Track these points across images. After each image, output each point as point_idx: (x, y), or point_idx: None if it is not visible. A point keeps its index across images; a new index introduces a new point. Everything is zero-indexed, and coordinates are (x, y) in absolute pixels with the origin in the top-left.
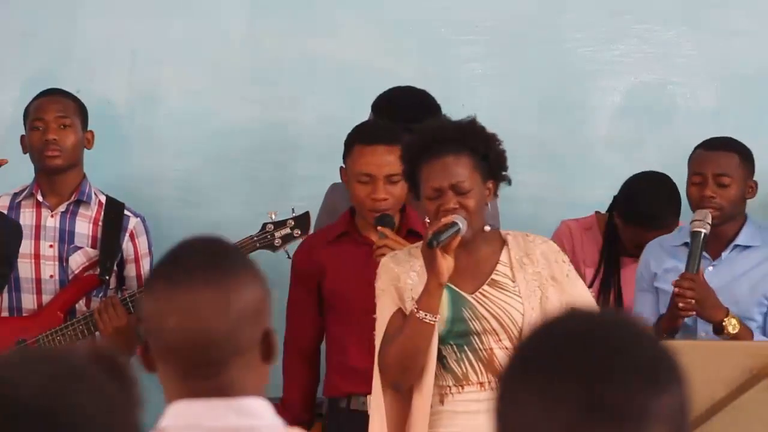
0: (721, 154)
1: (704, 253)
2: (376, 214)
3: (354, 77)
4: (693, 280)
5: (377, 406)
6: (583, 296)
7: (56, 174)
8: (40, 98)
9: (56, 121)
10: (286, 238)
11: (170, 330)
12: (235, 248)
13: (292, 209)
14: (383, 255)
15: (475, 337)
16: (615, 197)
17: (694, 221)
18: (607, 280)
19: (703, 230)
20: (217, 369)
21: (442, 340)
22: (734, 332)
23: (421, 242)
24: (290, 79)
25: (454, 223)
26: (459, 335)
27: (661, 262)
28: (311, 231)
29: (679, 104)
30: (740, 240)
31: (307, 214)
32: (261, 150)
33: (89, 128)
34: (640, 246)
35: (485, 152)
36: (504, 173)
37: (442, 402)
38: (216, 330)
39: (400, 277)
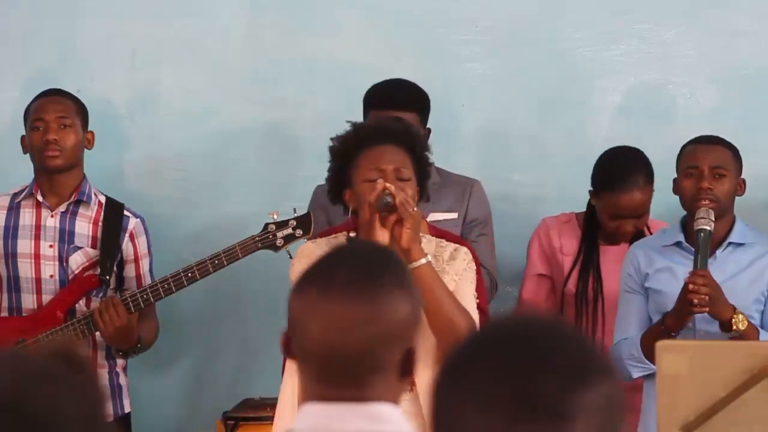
0: (717, 148)
1: None
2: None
3: (354, 77)
4: (705, 277)
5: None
6: (465, 299)
7: (56, 174)
8: (41, 98)
9: (57, 122)
10: (288, 239)
11: (310, 336)
12: (395, 263)
13: (294, 209)
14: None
15: None
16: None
17: (698, 219)
18: (587, 267)
19: (708, 227)
20: (353, 382)
21: None
22: (743, 329)
23: (341, 234)
24: (290, 79)
25: (388, 194)
26: None
27: (651, 262)
28: (312, 231)
29: (679, 104)
30: (734, 237)
31: (308, 215)
32: (261, 150)
33: (89, 128)
34: (618, 225)
35: (420, 156)
36: (425, 186)
37: None
38: (355, 346)
39: None
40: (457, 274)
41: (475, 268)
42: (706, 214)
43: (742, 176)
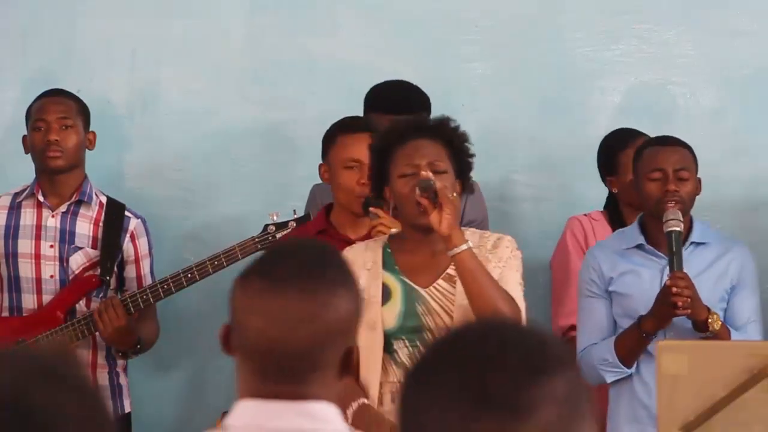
0: (678, 150)
1: (659, 252)
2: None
3: (354, 77)
4: (685, 278)
5: None
6: (510, 285)
7: (57, 174)
8: (43, 99)
9: (58, 122)
10: None
11: (252, 329)
12: (337, 262)
13: (294, 211)
14: (382, 233)
15: (428, 332)
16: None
17: (668, 221)
18: None
19: (678, 228)
20: (291, 379)
21: (394, 335)
22: (717, 329)
23: (377, 237)
24: (290, 79)
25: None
26: (412, 330)
27: (614, 266)
28: None
29: (679, 104)
30: (694, 237)
31: (308, 216)
32: (261, 150)
33: (90, 129)
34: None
35: (458, 149)
36: (469, 178)
37: (393, 400)
38: (296, 342)
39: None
40: (501, 261)
41: (520, 255)
42: (674, 215)
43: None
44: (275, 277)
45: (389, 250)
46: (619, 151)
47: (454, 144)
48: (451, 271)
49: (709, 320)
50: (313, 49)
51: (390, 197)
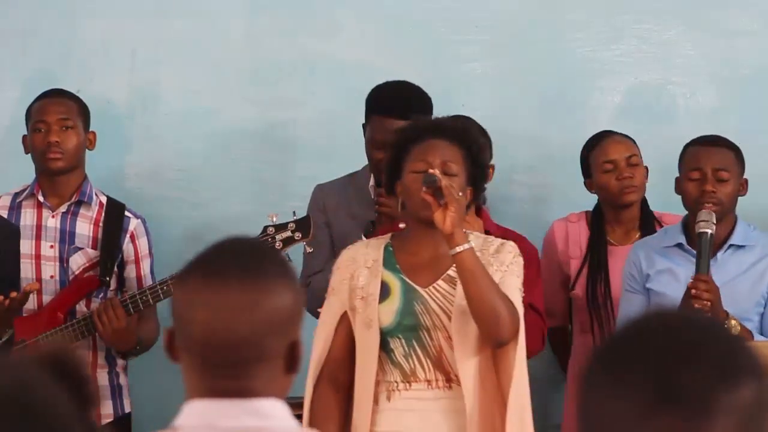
0: (720, 150)
1: None
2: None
3: (354, 77)
4: (707, 282)
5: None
6: (510, 290)
7: (58, 175)
8: (43, 99)
9: (58, 123)
10: (287, 242)
11: (196, 324)
12: (276, 253)
13: (293, 212)
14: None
15: (425, 332)
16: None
17: (699, 222)
18: (595, 270)
19: (709, 230)
20: (237, 371)
21: (391, 332)
22: (735, 334)
23: (380, 236)
24: (290, 79)
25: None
26: (408, 329)
27: (652, 263)
28: (312, 234)
29: (679, 104)
30: (735, 240)
31: (308, 218)
32: (261, 150)
33: (91, 129)
34: (610, 185)
35: (475, 157)
36: (483, 189)
37: (389, 399)
38: (241, 332)
39: (353, 274)
40: (502, 266)
41: (522, 262)
42: (708, 216)
43: (744, 176)
44: (214, 270)
45: (391, 249)
46: (589, 153)
47: (472, 151)
48: (451, 272)
49: (726, 325)
50: (313, 49)
51: (399, 192)
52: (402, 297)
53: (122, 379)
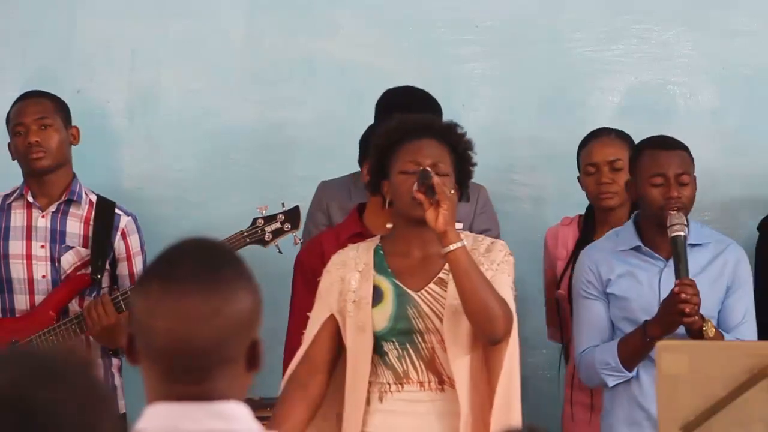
0: (678, 153)
1: (657, 254)
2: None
3: (354, 77)
4: (693, 286)
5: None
6: (501, 288)
7: (45, 175)
8: (19, 102)
9: (36, 123)
10: (277, 233)
11: (157, 332)
12: (232, 254)
13: (282, 204)
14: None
15: (418, 335)
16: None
17: (673, 225)
18: None
19: (683, 233)
20: (200, 376)
21: (384, 337)
22: (712, 336)
23: (369, 239)
24: (290, 79)
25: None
26: (402, 333)
27: (611, 267)
28: (302, 226)
29: (679, 104)
30: (691, 239)
31: (297, 209)
32: (261, 150)
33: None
34: (596, 186)
35: (462, 156)
36: (467, 186)
37: (381, 400)
38: (203, 338)
39: (344, 278)
40: (493, 264)
41: (512, 261)
42: (680, 219)
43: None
44: (174, 278)
45: (381, 252)
46: (581, 149)
47: (458, 150)
48: (442, 275)
49: (704, 328)
50: (313, 49)
51: (387, 192)
52: (395, 301)
53: (117, 380)
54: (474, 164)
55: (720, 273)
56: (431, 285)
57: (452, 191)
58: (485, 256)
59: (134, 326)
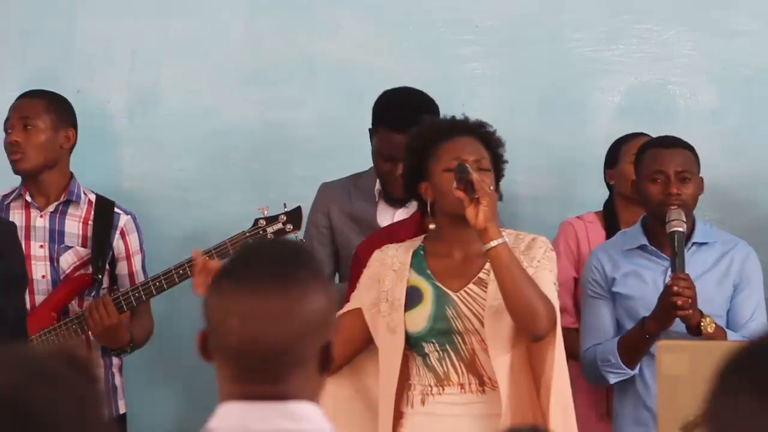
0: (680, 151)
1: (662, 254)
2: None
3: (354, 77)
4: (687, 279)
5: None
6: (543, 285)
7: (36, 176)
8: (15, 100)
9: (19, 123)
10: (278, 233)
11: (230, 332)
12: (307, 256)
13: (284, 204)
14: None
15: (458, 336)
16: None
17: (671, 221)
18: None
19: (681, 229)
20: (273, 377)
21: (424, 338)
22: (711, 332)
23: (413, 239)
24: (290, 79)
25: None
26: (441, 333)
27: (617, 266)
28: (303, 227)
29: (679, 104)
30: (697, 238)
31: (299, 209)
32: (260, 150)
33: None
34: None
35: (495, 153)
36: (498, 184)
37: (423, 402)
38: (276, 340)
39: (380, 276)
40: (534, 260)
41: (553, 257)
42: (678, 215)
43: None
44: (247, 277)
45: (422, 253)
46: (623, 144)
47: (492, 147)
48: (482, 275)
49: (702, 324)
50: (313, 49)
51: (427, 194)
52: (434, 302)
53: (117, 380)
54: (506, 161)
55: (726, 272)
56: (470, 285)
57: (491, 187)
58: (525, 253)
59: (207, 323)
